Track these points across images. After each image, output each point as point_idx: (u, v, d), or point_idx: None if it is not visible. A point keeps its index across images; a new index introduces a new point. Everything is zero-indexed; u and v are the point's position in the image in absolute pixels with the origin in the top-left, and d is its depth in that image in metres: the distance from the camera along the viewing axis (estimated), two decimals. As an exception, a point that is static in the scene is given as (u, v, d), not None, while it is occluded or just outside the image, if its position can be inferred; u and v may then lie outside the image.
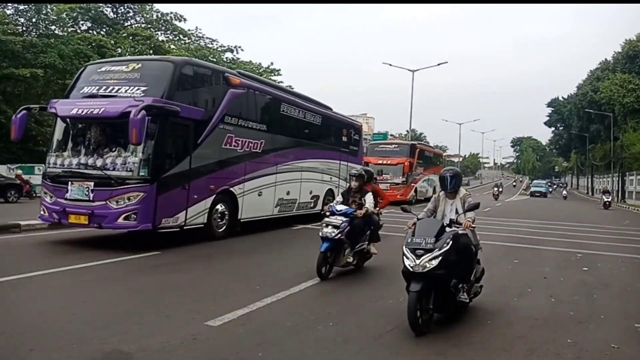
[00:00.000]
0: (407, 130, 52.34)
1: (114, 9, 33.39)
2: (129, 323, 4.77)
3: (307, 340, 4.54)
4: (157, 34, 34.37)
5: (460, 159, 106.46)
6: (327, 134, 15.93)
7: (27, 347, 4.05)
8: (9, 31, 24.48)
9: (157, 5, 34.57)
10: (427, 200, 27.13)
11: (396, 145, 28.98)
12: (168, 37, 36.31)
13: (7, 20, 26.15)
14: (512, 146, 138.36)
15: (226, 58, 40.89)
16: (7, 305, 5.32)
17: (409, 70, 42.94)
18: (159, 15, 34.79)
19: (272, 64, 43.47)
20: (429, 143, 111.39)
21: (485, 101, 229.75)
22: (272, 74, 43.19)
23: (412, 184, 26.78)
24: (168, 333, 4.50)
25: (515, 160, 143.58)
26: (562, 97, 72.66)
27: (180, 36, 37.31)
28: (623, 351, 4.65)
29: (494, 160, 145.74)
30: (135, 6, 33.80)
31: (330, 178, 16.15)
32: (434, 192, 28.04)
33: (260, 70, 42.42)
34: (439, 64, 42.44)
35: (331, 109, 16.91)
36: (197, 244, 9.62)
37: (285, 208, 13.27)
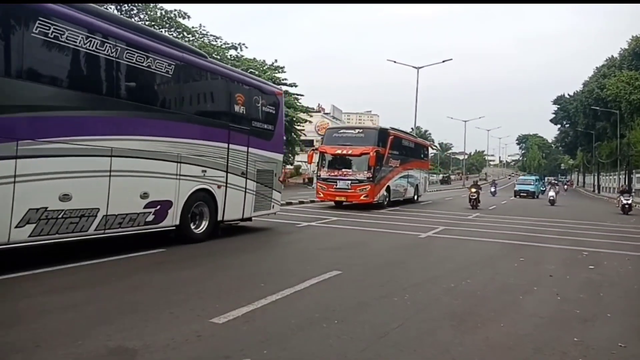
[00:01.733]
0: (411, 128, 52.32)
1: (118, 7, 33.39)
2: (133, 320, 4.77)
3: (311, 338, 4.53)
4: (161, 32, 34.36)
5: (466, 157, 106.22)
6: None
7: (33, 343, 4.06)
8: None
9: (161, 3, 34.53)
10: (407, 202, 24.45)
11: (360, 131, 22.13)
12: (172, 34, 36.26)
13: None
14: (518, 143, 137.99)
15: (230, 55, 40.87)
16: (13, 301, 5.33)
17: (414, 67, 42.91)
18: (163, 13, 34.73)
19: (276, 60, 43.45)
20: (434, 141, 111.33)
21: (490, 98, 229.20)
22: (277, 71, 43.16)
23: (383, 182, 21.13)
24: (172, 330, 4.50)
25: (520, 158, 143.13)
26: (568, 94, 72.23)
27: (184, 33, 37.24)
28: (630, 350, 4.61)
29: (500, 157, 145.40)
30: (139, 4, 33.78)
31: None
32: (417, 192, 26.62)
33: (265, 67, 42.39)
34: (443, 61, 42.48)
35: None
36: (202, 242, 9.61)
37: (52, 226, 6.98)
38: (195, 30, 38.78)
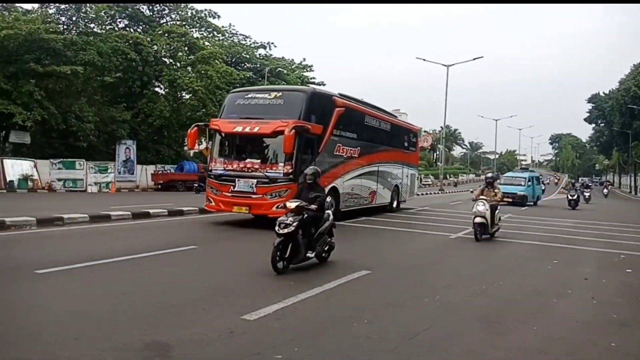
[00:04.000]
0: (441, 127, 51.72)
1: (150, 7, 34.04)
2: (167, 315, 4.88)
3: (341, 337, 4.54)
4: (192, 31, 34.86)
5: (497, 156, 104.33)
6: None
7: (72, 336, 4.20)
8: (51, 30, 25.26)
9: (191, 3, 35.07)
10: (378, 211, 18.01)
11: (278, 94, 12.98)
12: (202, 34, 36.80)
13: (49, 19, 27.01)
14: (551, 143, 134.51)
15: (259, 54, 41.24)
16: (52, 295, 5.52)
17: (443, 65, 42.36)
18: (194, 13, 35.24)
19: (304, 59, 43.61)
20: (464, 140, 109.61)
21: (521, 98, 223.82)
22: (304, 70, 43.31)
23: (320, 180, 8.95)
24: (205, 326, 4.58)
25: (553, 158, 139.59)
26: (603, 93, 70.12)
27: (215, 33, 37.76)
28: (671, 357, 4.46)
29: (532, 157, 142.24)
30: (171, 4, 34.37)
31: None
32: (397, 196, 18.78)
33: (293, 66, 42.63)
34: (474, 59, 41.73)
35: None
36: (233, 239, 9.74)
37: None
38: (225, 30, 39.25)
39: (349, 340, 4.44)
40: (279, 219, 6.99)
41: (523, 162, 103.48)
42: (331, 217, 7.89)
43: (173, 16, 35.22)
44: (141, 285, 6.09)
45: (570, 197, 27.07)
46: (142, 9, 33.41)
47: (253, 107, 12.60)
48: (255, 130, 11.70)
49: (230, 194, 11.93)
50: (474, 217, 11.38)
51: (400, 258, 9.08)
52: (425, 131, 71.78)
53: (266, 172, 11.69)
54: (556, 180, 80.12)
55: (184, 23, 34.57)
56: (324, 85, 40.55)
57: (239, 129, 12.00)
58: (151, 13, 34.31)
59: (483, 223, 11.30)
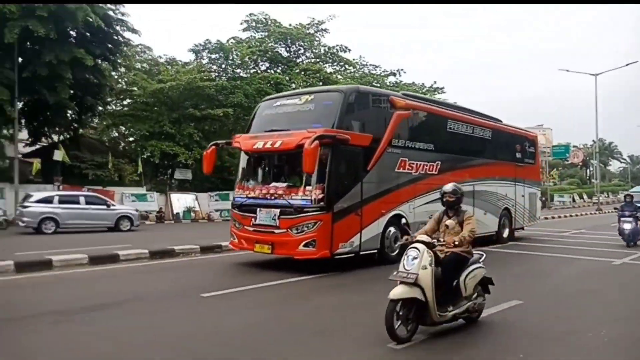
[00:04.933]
0: (593, 140, 46.77)
1: (287, 48, 36.65)
2: (314, 341, 5.13)
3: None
4: (325, 67, 36.71)
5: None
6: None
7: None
8: (205, 78, 28.69)
9: (324, 40, 36.99)
10: (482, 243, 10.99)
11: (309, 98, 10.08)
12: (335, 68, 38.48)
13: (203, 69, 30.71)
14: None
15: (389, 82, 41.72)
16: (208, 319, 6.14)
17: (590, 74, 38.62)
18: (326, 49, 37.14)
19: (435, 82, 43.02)
20: (621, 154, 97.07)
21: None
22: (436, 92, 42.66)
23: (369, 208, 9.75)
24: (352, 353, 4.71)
25: None
26: None
27: (346, 66, 39.20)
28: None
29: None
30: (305, 42, 36.62)
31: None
32: (509, 223, 14.88)
33: (424, 90, 42.27)
34: (627, 65, 37.32)
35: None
36: (374, 267, 9.81)
37: None
38: (356, 62, 40.56)
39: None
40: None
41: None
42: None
43: (308, 54, 37.46)
44: (286, 311, 6.46)
45: (622, 226, 14.42)
46: (280, 51, 36.07)
47: (281, 117, 10.15)
48: (277, 145, 9.20)
49: (252, 228, 9.51)
50: None
51: (554, 286, 8.35)
52: (574, 146, 65.50)
53: (290, 198, 9.07)
54: None
55: (317, 60, 36.56)
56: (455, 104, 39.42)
57: (259, 145, 9.55)
58: (288, 54, 36.88)
59: None
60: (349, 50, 37.84)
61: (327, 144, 8.83)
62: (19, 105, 21.02)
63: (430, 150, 11.61)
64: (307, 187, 9.09)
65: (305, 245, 8.86)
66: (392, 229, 10.27)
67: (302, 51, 37.32)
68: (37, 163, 23.31)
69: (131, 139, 32.36)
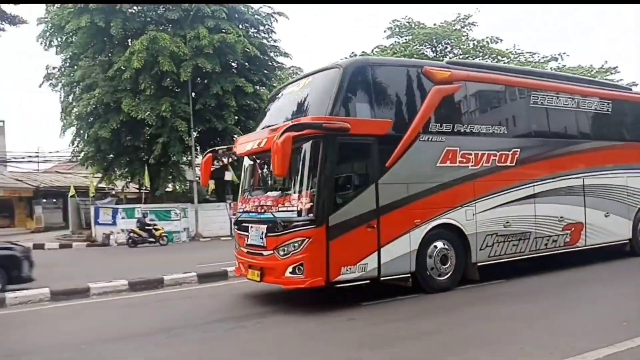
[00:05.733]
0: None
1: (433, 48, 35.84)
2: (480, 353, 4.82)
3: None
4: (475, 61, 35.09)
5: None
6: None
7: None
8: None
9: (471, 34, 35.40)
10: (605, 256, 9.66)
11: (306, 82, 8.11)
12: (487, 60, 36.49)
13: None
14: None
15: (550, 67, 38.13)
16: (374, 325, 6.14)
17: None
18: (475, 43, 35.48)
19: (605, 62, 38.10)
20: None
21: None
22: (608, 73, 37.74)
23: (390, 219, 7.28)
24: None
25: None
26: None
27: (499, 57, 36.94)
28: None
29: None
30: (452, 39, 35.43)
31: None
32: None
33: (593, 72, 37.73)
34: None
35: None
36: (545, 273, 8.89)
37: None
38: (510, 52, 38.01)
39: None
40: None
41: None
42: None
43: (455, 52, 36.17)
44: (452, 318, 6.19)
45: None
46: (425, 52, 35.48)
47: (278, 108, 8.67)
48: (263, 145, 7.37)
49: (245, 250, 7.86)
50: None
51: None
52: None
53: (277, 211, 7.20)
54: None
55: (466, 56, 35.07)
56: (634, 85, 34.41)
57: (248, 146, 8.00)
58: (435, 54, 36.07)
59: None
60: (501, 40, 35.64)
61: (312, 135, 6.80)
62: (195, 134, 23.87)
63: (501, 135, 8.68)
64: (294, 195, 7.06)
65: (292, 271, 6.79)
66: (439, 244, 7.69)
67: (448, 49, 36.18)
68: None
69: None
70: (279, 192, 7.41)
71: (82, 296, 8.73)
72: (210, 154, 9.14)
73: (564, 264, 9.25)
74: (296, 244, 6.74)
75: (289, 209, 7.03)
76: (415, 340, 5.36)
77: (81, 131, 24.03)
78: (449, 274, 7.73)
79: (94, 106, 21.76)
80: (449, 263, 7.75)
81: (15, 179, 33.61)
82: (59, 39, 23.85)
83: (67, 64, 24.81)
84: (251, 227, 7.67)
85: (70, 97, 24.66)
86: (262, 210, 7.50)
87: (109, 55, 23.24)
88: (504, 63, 37.10)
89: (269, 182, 8.09)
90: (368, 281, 7.08)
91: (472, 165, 8.13)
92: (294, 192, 7.06)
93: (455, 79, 8.23)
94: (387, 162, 7.30)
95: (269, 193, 7.60)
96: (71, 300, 8.52)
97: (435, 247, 7.65)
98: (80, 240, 21.82)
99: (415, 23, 34.66)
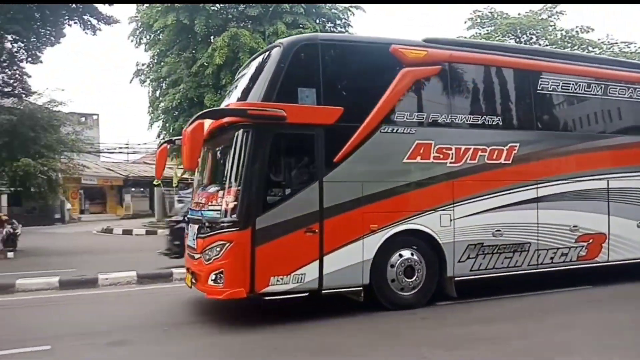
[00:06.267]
0: None
1: (517, 40, 34.11)
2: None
3: None
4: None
5: None
6: None
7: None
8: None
9: (559, 23, 33.37)
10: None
11: (250, 63, 7.71)
12: (575, 50, 34.26)
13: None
14: None
15: (650, 58, 35.10)
16: (449, 327, 5.98)
17: None
18: (563, 33, 33.42)
19: None
20: None
21: None
22: None
23: (301, 227, 6.22)
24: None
25: None
26: None
27: (589, 48, 34.51)
28: None
29: None
30: (538, 30, 33.58)
31: None
32: None
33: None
34: None
35: None
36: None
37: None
38: (602, 42, 35.40)
39: None
40: None
41: None
42: None
43: (541, 42, 34.24)
44: (535, 324, 5.89)
45: None
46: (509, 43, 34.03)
47: (230, 94, 7.90)
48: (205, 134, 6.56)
49: (186, 251, 7.27)
50: None
51: None
52: None
53: (207, 209, 6.54)
54: None
55: (554, 46, 33.11)
56: None
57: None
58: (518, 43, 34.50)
59: None
60: (592, 30, 33.27)
61: (240, 124, 6.03)
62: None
63: (493, 127, 7.32)
64: (220, 193, 6.27)
65: (214, 279, 5.98)
66: (405, 253, 6.65)
67: (534, 40, 34.31)
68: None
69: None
70: (216, 188, 6.59)
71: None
72: (165, 145, 8.04)
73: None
74: (217, 249, 5.93)
75: (216, 208, 6.24)
76: None
77: (167, 124, 25.30)
78: (416, 289, 6.63)
79: (178, 101, 22.82)
80: (415, 276, 6.59)
81: (107, 169, 36.34)
82: (148, 37, 25.23)
83: (155, 61, 26.14)
84: (190, 226, 6.97)
85: (157, 92, 25.99)
86: (198, 208, 6.85)
87: (193, 52, 24.29)
88: (595, 54, 34.68)
89: (212, 176, 7.23)
90: (307, 294, 6.22)
91: (451, 162, 6.91)
92: (221, 190, 6.30)
93: (433, 60, 7.04)
94: (335, 157, 6.31)
95: (208, 189, 6.89)
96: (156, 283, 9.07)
97: (401, 255, 6.60)
98: (164, 227, 23.14)
99: (497, 13, 33.14)
